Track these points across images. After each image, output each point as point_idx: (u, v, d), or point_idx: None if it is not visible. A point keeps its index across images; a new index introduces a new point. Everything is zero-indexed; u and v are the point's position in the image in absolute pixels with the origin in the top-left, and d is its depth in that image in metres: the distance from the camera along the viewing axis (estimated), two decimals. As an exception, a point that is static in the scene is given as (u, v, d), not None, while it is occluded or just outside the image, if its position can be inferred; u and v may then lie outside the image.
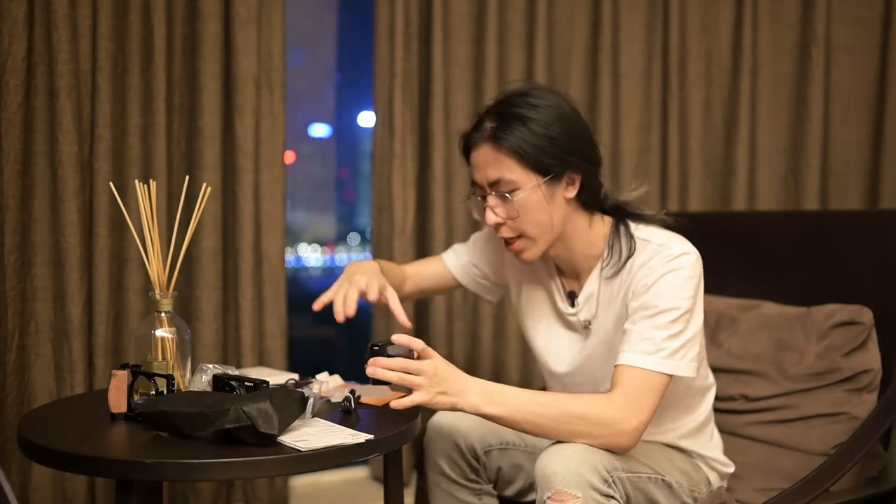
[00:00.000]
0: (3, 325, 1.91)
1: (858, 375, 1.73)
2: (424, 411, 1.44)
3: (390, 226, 2.36)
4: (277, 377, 1.61)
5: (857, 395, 1.73)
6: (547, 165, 1.44)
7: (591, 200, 1.53)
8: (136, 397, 1.35)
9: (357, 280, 1.53)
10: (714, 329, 1.96)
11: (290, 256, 2.67)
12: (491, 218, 1.50)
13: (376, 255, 2.42)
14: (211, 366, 1.42)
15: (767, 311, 1.93)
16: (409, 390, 1.33)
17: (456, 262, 1.78)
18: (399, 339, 1.33)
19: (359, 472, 2.59)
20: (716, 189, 2.74)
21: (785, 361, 1.82)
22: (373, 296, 1.52)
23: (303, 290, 3.01)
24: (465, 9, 2.43)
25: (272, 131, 2.21)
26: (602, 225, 1.55)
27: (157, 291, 1.44)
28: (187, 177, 1.83)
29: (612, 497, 1.32)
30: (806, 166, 2.72)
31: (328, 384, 1.57)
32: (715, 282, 1.75)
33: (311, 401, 1.32)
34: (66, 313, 1.96)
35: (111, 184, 1.66)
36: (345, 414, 1.40)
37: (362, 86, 2.71)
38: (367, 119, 2.80)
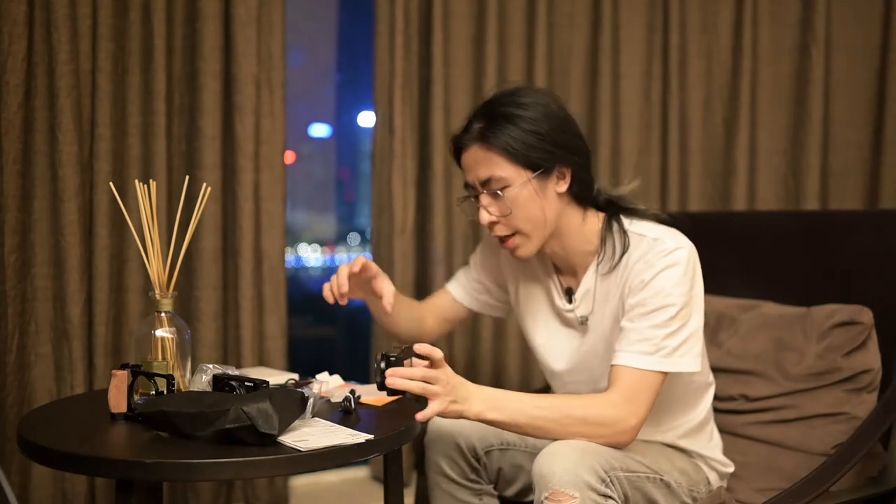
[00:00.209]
0: (3, 325, 1.91)
1: (858, 375, 1.73)
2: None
3: (390, 226, 2.36)
4: (277, 377, 1.61)
5: (857, 395, 1.73)
6: (536, 160, 1.46)
7: (584, 195, 1.54)
8: (136, 397, 1.35)
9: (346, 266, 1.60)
10: (714, 329, 1.96)
11: (290, 256, 2.66)
12: (485, 217, 1.51)
13: (376, 255, 2.42)
14: (211, 366, 1.42)
15: (767, 311, 1.93)
16: (401, 394, 1.33)
17: (460, 289, 1.80)
18: (421, 348, 1.32)
19: (359, 472, 2.59)
20: (716, 189, 2.74)
21: (785, 361, 1.82)
22: (356, 266, 1.59)
23: (303, 291, 3.01)
24: (465, 9, 2.43)
25: (272, 131, 2.21)
26: (596, 220, 1.56)
27: (157, 291, 1.45)
28: (187, 177, 1.83)
29: (610, 497, 1.32)
30: (806, 166, 2.72)
31: (328, 384, 1.57)
32: (715, 282, 1.75)
33: (311, 401, 1.32)
34: (66, 313, 1.96)
35: (111, 184, 1.67)
36: (345, 414, 1.39)
37: (362, 86, 2.71)
38: (367, 119, 2.80)
